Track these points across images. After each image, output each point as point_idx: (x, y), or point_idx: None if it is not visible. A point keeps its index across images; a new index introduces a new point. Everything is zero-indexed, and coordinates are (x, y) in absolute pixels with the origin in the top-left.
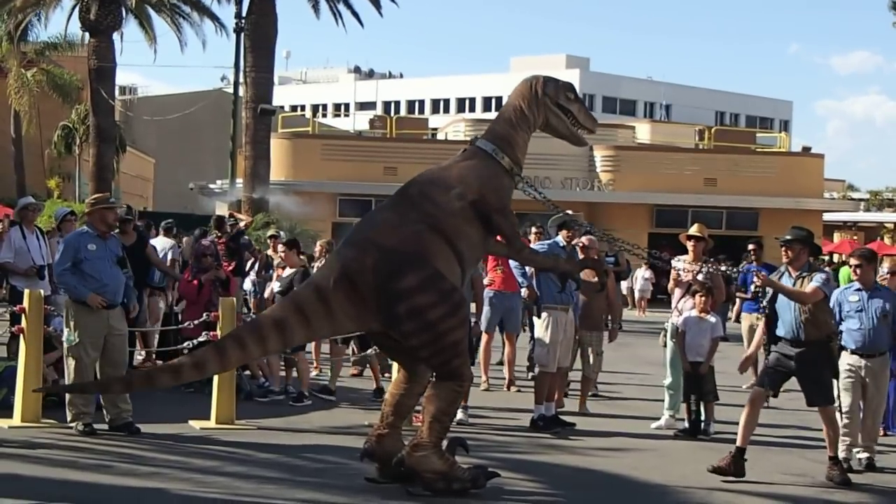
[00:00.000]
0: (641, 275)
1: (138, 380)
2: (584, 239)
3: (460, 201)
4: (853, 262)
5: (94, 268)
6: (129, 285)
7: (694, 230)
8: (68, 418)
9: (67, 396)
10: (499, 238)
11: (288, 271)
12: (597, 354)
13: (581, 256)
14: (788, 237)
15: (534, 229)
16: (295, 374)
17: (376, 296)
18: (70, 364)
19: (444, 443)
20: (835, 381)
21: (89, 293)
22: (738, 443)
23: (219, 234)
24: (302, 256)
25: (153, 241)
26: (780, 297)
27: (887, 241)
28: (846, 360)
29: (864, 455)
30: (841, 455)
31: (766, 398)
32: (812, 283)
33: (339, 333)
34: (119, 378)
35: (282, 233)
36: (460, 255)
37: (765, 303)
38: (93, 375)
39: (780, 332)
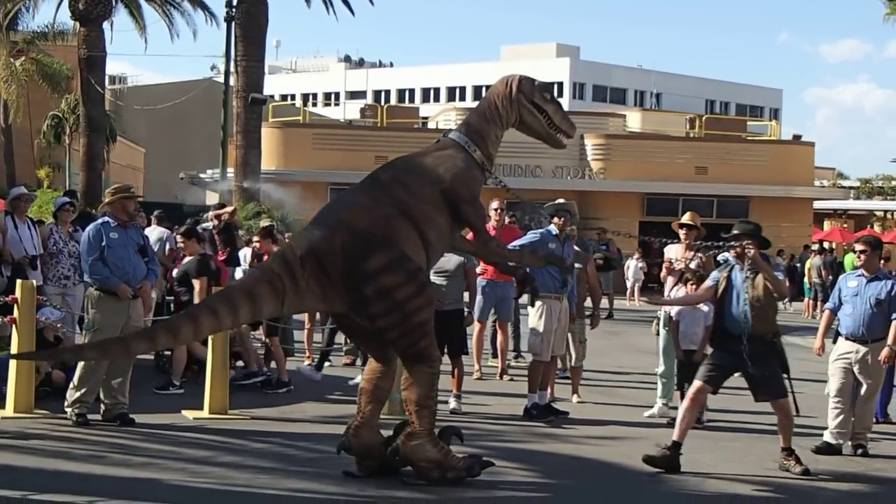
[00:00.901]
0: (634, 264)
1: (115, 347)
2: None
3: (431, 189)
4: (859, 247)
5: (117, 256)
6: (154, 270)
7: (686, 218)
8: (66, 402)
9: (73, 382)
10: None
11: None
12: (580, 342)
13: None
14: (736, 231)
15: (507, 219)
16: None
17: (343, 277)
18: None
19: (437, 430)
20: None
21: (120, 284)
22: (675, 437)
23: (214, 225)
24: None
25: (146, 231)
26: (730, 291)
27: (877, 228)
28: (839, 346)
29: (856, 442)
30: (831, 441)
31: (706, 394)
32: (780, 275)
33: (307, 311)
34: (103, 343)
35: (274, 223)
36: (427, 243)
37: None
38: (105, 366)
39: (726, 325)
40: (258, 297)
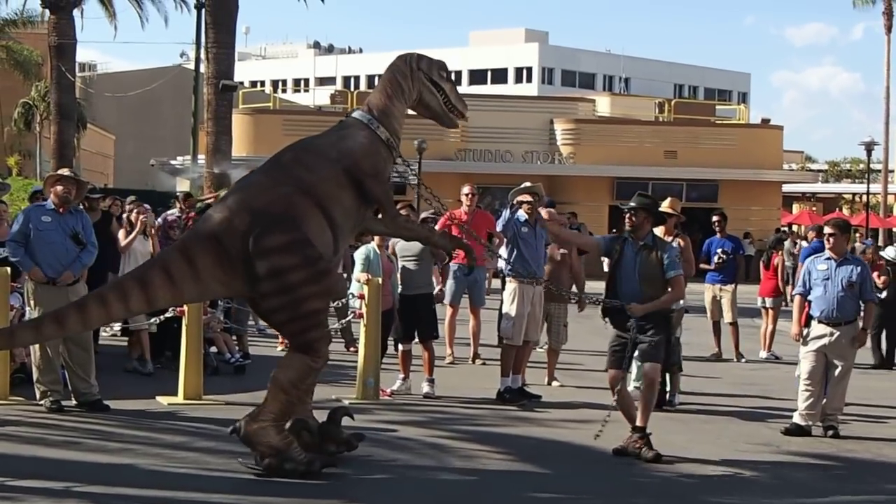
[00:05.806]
0: None
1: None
2: (544, 212)
3: (333, 166)
4: (827, 230)
5: (42, 240)
6: (81, 259)
7: (666, 205)
8: (37, 396)
9: (34, 375)
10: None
11: None
12: (562, 326)
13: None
14: (633, 204)
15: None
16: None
17: (245, 259)
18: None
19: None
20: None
21: (32, 267)
22: (638, 423)
23: (186, 209)
24: None
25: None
26: (623, 265)
27: (846, 211)
28: (812, 329)
29: (828, 423)
30: (801, 422)
31: (622, 377)
32: (674, 273)
33: (209, 297)
34: None
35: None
36: (332, 221)
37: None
38: (57, 351)
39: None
40: (150, 283)
